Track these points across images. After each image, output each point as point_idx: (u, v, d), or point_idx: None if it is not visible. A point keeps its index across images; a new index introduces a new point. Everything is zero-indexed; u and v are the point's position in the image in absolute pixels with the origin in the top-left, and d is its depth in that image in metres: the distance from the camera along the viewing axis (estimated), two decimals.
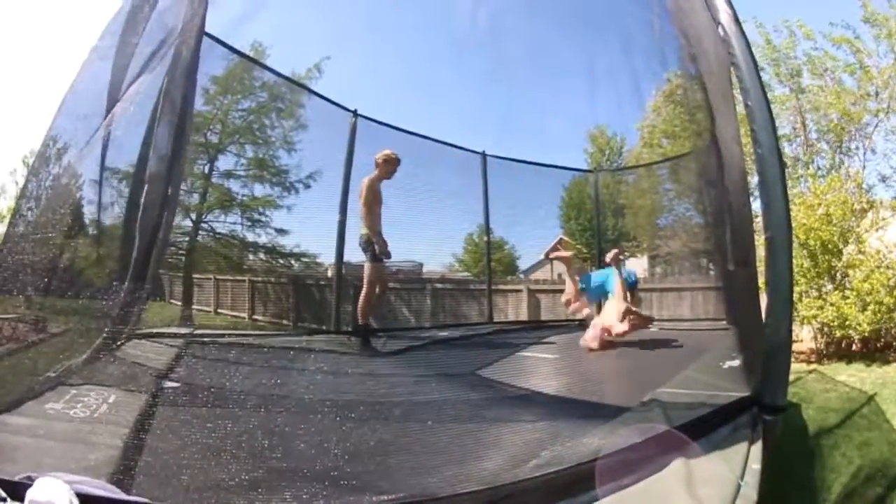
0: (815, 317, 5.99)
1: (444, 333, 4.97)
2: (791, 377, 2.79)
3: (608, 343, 3.56)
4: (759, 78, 1.97)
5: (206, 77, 4.21)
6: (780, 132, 6.71)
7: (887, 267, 5.87)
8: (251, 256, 5.57)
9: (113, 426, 1.71)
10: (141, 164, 2.71)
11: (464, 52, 4.88)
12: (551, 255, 4.43)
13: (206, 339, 3.36)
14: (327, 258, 4.97)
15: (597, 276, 4.13)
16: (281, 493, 1.44)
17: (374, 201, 4.09)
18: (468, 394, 2.84)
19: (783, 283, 1.78)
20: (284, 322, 5.47)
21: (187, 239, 4.95)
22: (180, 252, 4.93)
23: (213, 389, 2.20)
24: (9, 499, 1.05)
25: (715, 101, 2.31)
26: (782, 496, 2.43)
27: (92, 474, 1.31)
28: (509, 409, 2.74)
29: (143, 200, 2.53)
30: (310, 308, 5.50)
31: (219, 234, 5.14)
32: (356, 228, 4.17)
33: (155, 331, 3.03)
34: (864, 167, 7.38)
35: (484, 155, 5.48)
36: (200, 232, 4.96)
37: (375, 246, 4.00)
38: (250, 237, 5.20)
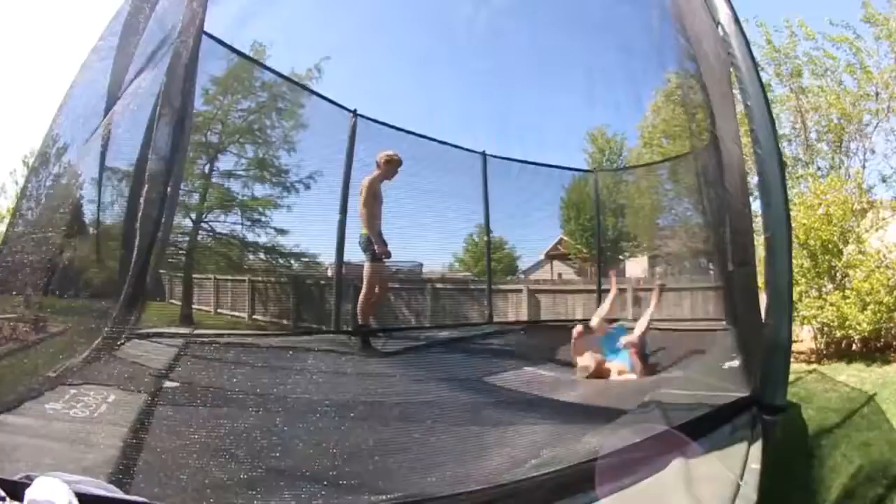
0: (815, 317, 5.99)
1: (444, 334, 4.97)
2: (791, 377, 2.79)
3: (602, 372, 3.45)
4: (759, 78, 1.97)
5: (207, 77, 4.22)
6: (780, 132, 6.73)
7: (887, 267, 5.87)
8: (251, 256, 5.57)
9: (112, 426, 1.71)
10: (141, 163, 2.71)
11: (464, 53, 4.89)
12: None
13: (205, 339, 3.35)
14: (327, 258, 4.98)
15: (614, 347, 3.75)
16: (280, 492, 1.44)
17: (373, 201, 4.09)
18: (468, 394, 2.85)
19: (783, 283, 1.78)
20: (284, 322, 5.48)
21: (187, 239, 4.95)
22: (180, 252, 4.93)
23: (212, 389, 2.20)
24: (8, 498, 1.05)
25: (714, 101, 2.31)
26: (782, 496, 2.43)
27: (91, 474, 1.31)
28: (509, 409, 2.74)
29: (142, 200, 2.53)
30: (310, 308, 5.51)
31: (219, 234, 5.15)
32: (356, 228, 4.18)
33: (155, 330, 3.02)
34: (864, 167, 7.38)
35: (484, 155, 5.48)
36: (200, 232, 4.96)
37: (375, 246, 4.00)
38: (250, 237, 5.21)
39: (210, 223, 5.03)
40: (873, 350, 5.97)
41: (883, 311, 5.67)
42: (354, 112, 4.65)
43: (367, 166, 4.35)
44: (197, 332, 4.08)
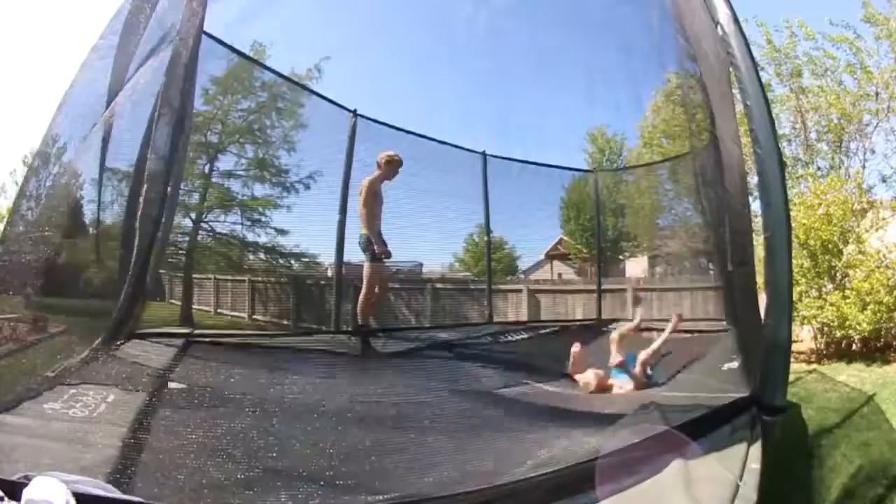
0: (815, 317, 5.98)
1: (443, 334, 4.97)
2: (791, 377, 2.78)
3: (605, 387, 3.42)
4: (759, 78, 1.97)
5: (207, 77, 4.22)
6: (780, 132, 6.72)
7: (887, 267, 5.87)
8: (251, 256, 5.58)
9: (111, 426, 1.71)
10: (140, 163, 2.71)
11: (464, 53, 4.89)
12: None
13: (205, 339, 3.35)
14: (327, 258, 4.98)
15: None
16: (277, 492, 1.44)
17: (374, 201, 4.09)
18: (467, 394, 2.84)
19: (782, 283, 1.78)
20: (284, 322, 5.48)
21: (187, 239, 4.95)
22: (180, 252, 4.93)
23: (210, 389, 2.20)
24: (6, 498, 1.05)
25: (714, 100, 2.31)
26: (782, 496, 2.42)
27: (89, 473, 1.31)
28: (509, 409, 2.74)
29: (142, 200, 2.53)
30: (310, 308, 5.51)
31: (219, 234, 5.15)
32: (356, 228, 4.17)
33: (154, 330, 3.02)
34: (864, 167, 7.38)
35: (484, 155, 5.48)
36: (200, 232, 4.96)
37: (375, 246, 4.00)
38: (250, 237, 5.21)
39: (210, 223, 5.03)
40: (873, 350, 5.97)
41: (883, 311, 5.66)
42: (354, 112, 4.65)
43: (367, 166, 4.35)
44: (197, 332, 4.08)
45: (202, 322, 4.94)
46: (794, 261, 3.72)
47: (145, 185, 2.54)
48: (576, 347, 3.57)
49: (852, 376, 5.20)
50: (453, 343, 4.35)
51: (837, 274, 6.17)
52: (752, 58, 1.98)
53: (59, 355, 2.13)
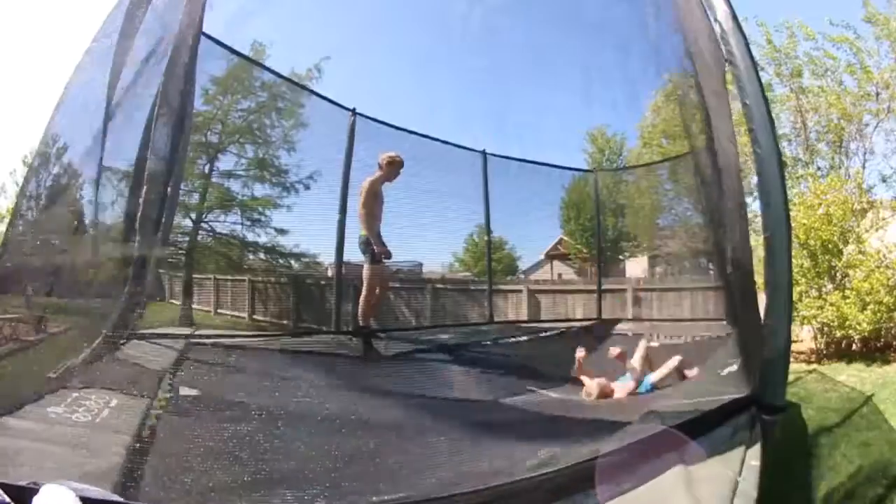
0: (815, 317, 5.99)
1: (444, 335, 4.96)
2: (791, 377, 2.79)
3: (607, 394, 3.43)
4: (758, 77, 1.96)
5: (206, 77, 4.22)
6: (780, 132, 6.73)
7: (887, 267, 5.87)
8: (251, 256, 5.57)
9: (115, 432, 1.70)
10: (140, 164, 2.70)
11: (464, 53, 4.88)
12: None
13: (205, 341, 3.35)
14: (327, 258, 4.98)
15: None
16: (282, 495, 1.44)
17: (373, 202, 4.08)
18: (467, 394, 2.84)
19: (782, 283, 1.77)
20: (284, 322, 5.47)
21: (187, 239, 4.95)
22: (180, 252, 4.93)
23: (212, 392, 2.20)
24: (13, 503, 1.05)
25: (710, 100, 2.30)
26: (782, 496, 2.43)
27: (94, 479, 1.31)
28: (508, 409, 2.74)
29: (142, 200, 2.52)
30: (310, 308, 5.50)
31: (219, 234, 5.15)
32: (356, 228, 4.17)
33: (154, 331, 3.02)
34: (864, 167, 7.38)
35: (484, 154, 5.47)
36: (200, 232, 4.96)
37: (374, 247, 3.99)
38: (250, 237, 5.21)
39: (210, 223, 5.03)
40: (873, 350, 5.97)
41: (883, 310, 5.67)
42: (353, 111, 4.65)
43: (366, 166, 4.35)
44: (197, 333, 4.07)
45: (202, 322, 4.94)
46: (794, 261, 3.72)
47: (145, 186, 2.54)
48: (580, 353, 3.56)
49: (852, 376, 5.20)
50: (455, 345, 4.34)
51: (837, 274, 6.17)
52: (751, 57, 1.97)
53: (61, 356, 2.12)
